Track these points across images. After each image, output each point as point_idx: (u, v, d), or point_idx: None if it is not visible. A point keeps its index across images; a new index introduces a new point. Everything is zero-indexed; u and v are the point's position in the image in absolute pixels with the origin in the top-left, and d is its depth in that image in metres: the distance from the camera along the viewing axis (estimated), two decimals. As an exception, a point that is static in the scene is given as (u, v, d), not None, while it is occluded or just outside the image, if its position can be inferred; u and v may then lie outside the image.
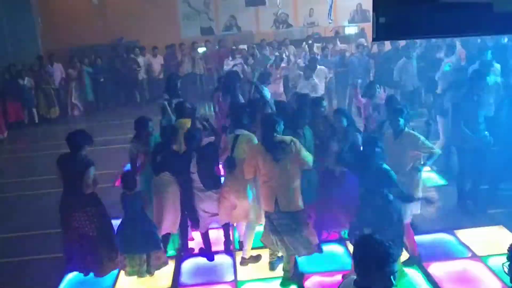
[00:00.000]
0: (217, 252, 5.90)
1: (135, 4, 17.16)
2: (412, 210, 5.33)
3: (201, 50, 14.89)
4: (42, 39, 16.41)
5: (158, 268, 5.38)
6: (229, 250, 5.93)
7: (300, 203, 4.95)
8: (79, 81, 14.47)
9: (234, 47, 14.05)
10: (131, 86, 14.99)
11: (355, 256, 2.72)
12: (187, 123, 6.15)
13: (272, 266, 5.45)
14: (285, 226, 4.92)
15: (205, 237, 5.81)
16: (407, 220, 5.28)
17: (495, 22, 1.93)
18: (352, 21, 18.51)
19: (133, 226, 5.16)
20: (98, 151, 10.28)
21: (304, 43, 14.44)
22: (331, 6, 14.23)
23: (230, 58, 12.96)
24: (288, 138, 4.97)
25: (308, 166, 4.99)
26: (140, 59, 14.92)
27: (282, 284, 5.17)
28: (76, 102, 14.54)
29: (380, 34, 2.02)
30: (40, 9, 16.60)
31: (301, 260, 5.49)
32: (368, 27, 17.17)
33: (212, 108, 9.59)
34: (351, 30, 18.20)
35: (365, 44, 13.56)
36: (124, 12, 16.92)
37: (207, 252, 5.83)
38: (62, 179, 5.21)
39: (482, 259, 5.43)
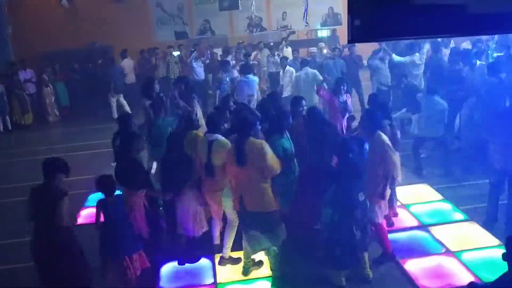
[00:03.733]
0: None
1: (108, 8, 16.99)
2: (383, 211, 5.47)
3: (175, 54, 14.83)
4: (13, 44, 16.12)
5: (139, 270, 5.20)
6: None
7: (269, 204, 4.98)
8: (52, 86, 14.27)
9: (192, 49, 14.03)
10: (106, 91, 14.83)
11: None
12: (199, 133, 6.00)
13: (245, 271, 5.48)
14: (251, 224, 5.04)
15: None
16: (380, 220, 5.43)
17: (469, 23, 1.98)
18: (324, 24, 18.75)
19: (114, 231, 4.96)
20: (74, 157, 10.17)
21: (283, 42, 14.53)
22: (306, 10, 14.37)
23: (193, 59, 12.94)
24: (258, 142, 4.99)
25: (270, 173, 4.95)
26: (115, 64, 14.78)
27: (273, 284, 5.24)
28: (50, 108, 14.32)
29: (355, 36, 2.07)
30: (10, 14, 16.29)
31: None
32: (340, 30, 17.45)
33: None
34: (323, 33, 18.45)
35: (338, 46, 13.77)
36: (97, 16, 16.73)
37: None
38: (34, 214, 4.73)
39: (456, 255, 5.58)
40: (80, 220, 7.22)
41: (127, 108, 13.49)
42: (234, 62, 12.79)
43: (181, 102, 7.69)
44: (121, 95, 13.81)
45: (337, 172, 4.97)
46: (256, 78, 9.59)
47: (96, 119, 14.01)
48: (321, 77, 9.97)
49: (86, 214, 7.33)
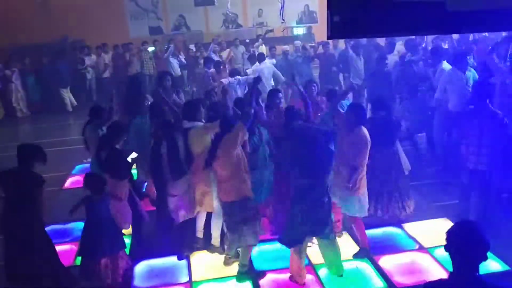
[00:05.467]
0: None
1: (81, 2, 16.65)
2: (365, 205, 5.48)
3: (150, 49, 14.65)
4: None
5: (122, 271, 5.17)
6: None
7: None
8: (23, 81, 13.93)
9: (170, 45, 13.91)
10: (77, 86, 14.58)
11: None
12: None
13: (227, 262, 5.49)
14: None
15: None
16: (364, 214, 5.46)
17: (448, 21, 1.97)
18: (300, 22, 18.80)
19: (97, 230, 4.88)
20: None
21: (259, 40, 14.48)
22: (282, 7, 14.39)
23: (170, 54, 12.78)
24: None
25: None
26: (87, 59, 14.53)
27: (238, 279, 5.21)
28: (19, 104, 13.97)
29: (334, 32, 2.04)
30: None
31: (256, 257, 5.55)
32: (316, 27, 17.53)
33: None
34: (299, 30, 18.50)
35: (312, 44, 13.82)
36: (69, 10, 16.39)
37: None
38: (4, 199, 4.72)
39: (429, 251, 5.65)
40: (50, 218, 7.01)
41: (69, 105, 14.12)
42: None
43: (173, 96, 7.56)
44: (68, 89, 14.18)
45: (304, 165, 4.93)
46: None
47: (67, 114, 13.76)
48: (283, 78, 10.16)
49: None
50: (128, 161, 5.54)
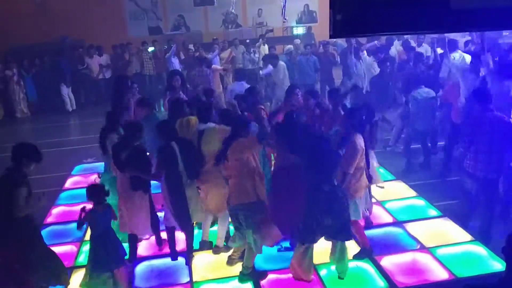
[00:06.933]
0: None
1: (80, 2, 16.62)
2: (362, 206, 5.47)
3: (150, 49, 14.61)
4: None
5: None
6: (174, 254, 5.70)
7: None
8: (19, 82, 13.90)
9: (172, 45, 13.91)
10: (77, 87, 14.56)
11: None
12: (191, 118, 5.95)
13: (231, 262, 5.47)
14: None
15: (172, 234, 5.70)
16: (360, 217, 5.44)
17: (453, 19, 1.94)
18: (299, 21, 18.79)
19: (103, 243, 4.76)
20: (44, 154, 9.90)
21: (260, 40, 14.44)
22: (284, 6, 14.34)
23: (173, 54, 12.81)
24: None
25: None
26: (87, 59, 14.51)
27: (240, 279, 5.20)
28: (19, 104, 13.94)
29: (337, 31, 2.02)
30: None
31: (257, 257, 5.52)
32: (316, 27, 17.51)
33: (162, 107, 9.93)
34: (299, 30, 18.50)
35: (312, 43, 13.78)
36: (68, 10, 16.35)
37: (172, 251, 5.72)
38: None
39: (430, 250, 5.63)
40: (50, 219, 6.97)
41: (69, 105, 14.03)
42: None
43: (182, 95, 7.54)
44: (69, 89, 14.14)
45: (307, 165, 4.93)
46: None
47: (67, 114, 13.74)
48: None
49: (57, 213, 7.14)
50: (149, 160, 5.42)
